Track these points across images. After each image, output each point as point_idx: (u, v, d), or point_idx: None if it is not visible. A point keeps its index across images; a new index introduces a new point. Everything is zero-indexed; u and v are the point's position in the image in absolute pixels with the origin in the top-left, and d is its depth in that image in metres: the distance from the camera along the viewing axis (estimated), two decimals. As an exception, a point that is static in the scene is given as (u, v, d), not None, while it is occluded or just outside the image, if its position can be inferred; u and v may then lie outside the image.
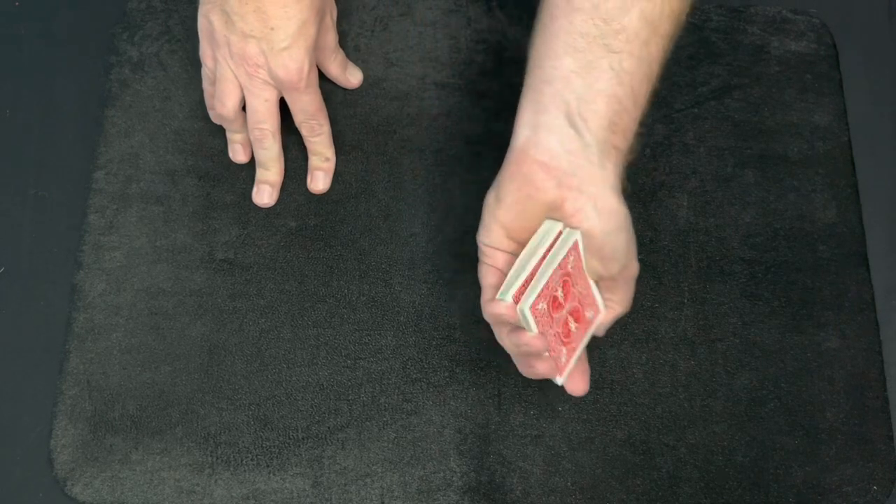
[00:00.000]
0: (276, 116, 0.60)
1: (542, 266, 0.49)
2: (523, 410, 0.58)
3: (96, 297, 0.60)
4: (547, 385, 0.59)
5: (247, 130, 0.62)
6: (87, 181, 0.62)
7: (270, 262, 0.61)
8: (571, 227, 0.49)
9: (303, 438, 0.57)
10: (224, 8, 0.57)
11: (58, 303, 0.60)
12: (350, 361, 0.59)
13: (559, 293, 0.50)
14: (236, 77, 0.59)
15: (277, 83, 0.59)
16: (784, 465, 0.57)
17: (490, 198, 0.50)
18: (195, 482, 0.56)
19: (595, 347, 0.59)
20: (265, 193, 0.62)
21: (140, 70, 0.65)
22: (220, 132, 0.64)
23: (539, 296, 0.48)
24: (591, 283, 0.52)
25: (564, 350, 0.51)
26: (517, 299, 0.48)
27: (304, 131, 0.62)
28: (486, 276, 0.52)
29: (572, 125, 0.48)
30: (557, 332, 0.51)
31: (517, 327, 0.49)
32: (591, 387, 0.59)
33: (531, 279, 0.48)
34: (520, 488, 0.57)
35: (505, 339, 0.51)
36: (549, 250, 0.49)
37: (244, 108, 0.60)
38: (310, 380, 0.58)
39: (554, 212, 0.49)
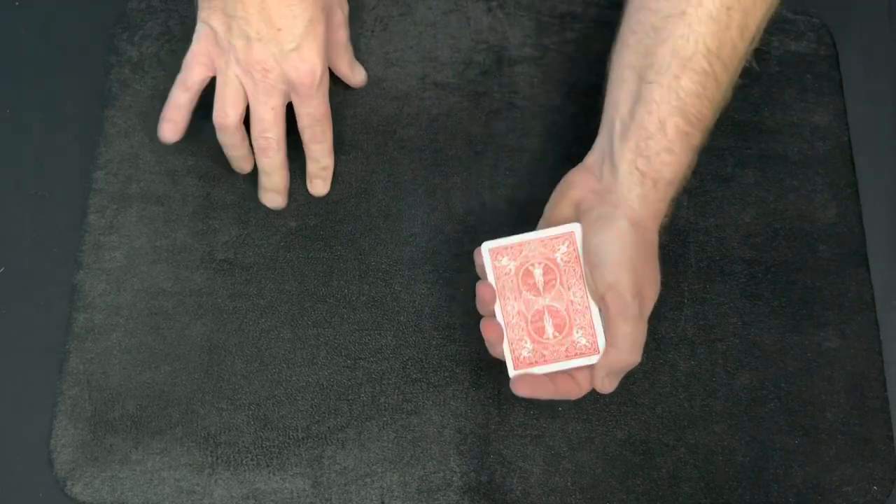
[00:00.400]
0: (282, 125, 0.59)
1: (528, 233, 0.52)
2: (523, 410, 0.58)
3: (96, 297, 0.60)
4: (547, 385, 0.59)
5: (247, 142, 0.60)
6: (87, 181, 0.62)
7: (270, 262, 0.61)
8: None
9: (303, 438, 0.57)
10: (226, 11, 0.56)
11: (58, 303, 0.60)
12: (350, 361, 0.59)
13: (536, 271, 0.51)
14: (242, 84, 0.57)
15: (289, 86, 0.57)
16: (784, 465, 0.57)
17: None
18: (195, 482, 0.56)
19: (595, 347, 0.59)
20: (276, 199, 0.61)
21: (140, 70, 0.65)
22: (220, 132, 0.64)
23: (508, 248, 0.51)
24: (595, 309, 0.53)
25: (529, 345, 0.53)
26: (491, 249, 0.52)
27: (305, 136, 0.60)
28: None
29: (611, 146, 0.53)
30: (524, 316, 0.52)
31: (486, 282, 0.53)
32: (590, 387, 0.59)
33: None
34: (520, 488, 0.57)
35: (479, 303, 0.55)
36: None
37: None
38: (310, 380, 0.58)
39: (580, 213, 0.54)
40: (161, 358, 0.59)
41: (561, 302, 0.52)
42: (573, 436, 0.58)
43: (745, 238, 0.63)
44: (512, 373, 0.53)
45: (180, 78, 0.59)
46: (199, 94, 0.59)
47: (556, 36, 0.67)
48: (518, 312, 0.53)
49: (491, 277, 0.53)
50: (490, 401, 0.58)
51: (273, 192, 0.61)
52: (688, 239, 0.62)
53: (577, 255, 0.52)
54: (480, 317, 0.60)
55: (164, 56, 0.65)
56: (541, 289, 0.52)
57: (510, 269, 0.52)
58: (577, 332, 0.53)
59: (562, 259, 0.52)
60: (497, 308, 0.53)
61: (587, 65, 0.66)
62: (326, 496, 0.56)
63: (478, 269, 0.55)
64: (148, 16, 0.66)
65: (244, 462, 0.57)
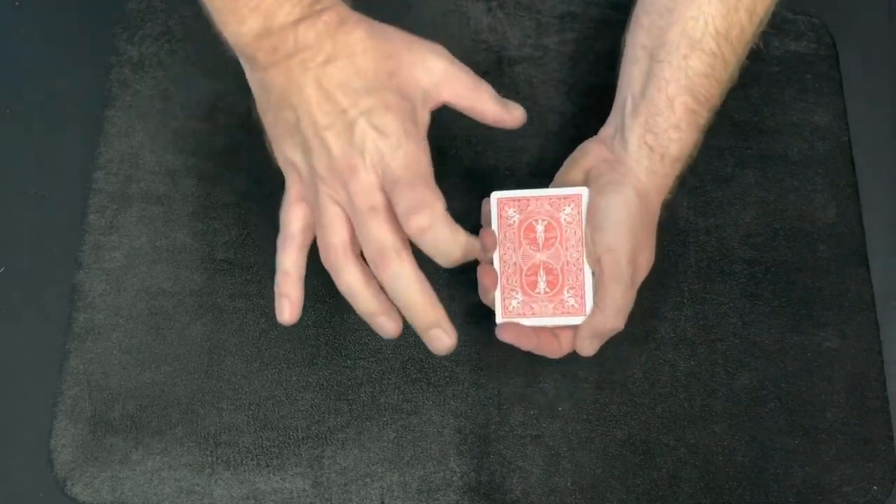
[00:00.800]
0: (392, 229, 0.48)
1: (537, 189, 0.55)
2: (523, 410, 0.58)
3: (96, 297, 0.60)
4: (547, 385, 0.59)
5: (375, 283, 0.49)
6: (87, 181, 0.62)
7: (270, 262, 0.61)
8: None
9: (303, 438, 0.57)
10: (297, 127, 0.48)
11: (58, 303, 0.60)
12: (350, 361, 0.59)
13: (538, 226, 0.54)
14: (338, 204, 0.48)
15: (382, 175, 0.47)
16: (784, 465, 0.57)
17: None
18: (195, 482, 0.56)
19: (595, 347, 0.59)
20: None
21: (140, 70, 0.65)
22: (220, 132, 0.64)
23: (515, 200, 0.54)
24: (588, 273, 0.54)
25: (520, 297, 0.54)
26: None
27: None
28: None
29: (623, 121, 0.55)
30: (520, 268, 0.54)
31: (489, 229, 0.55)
32: (590, 386, 0.59)
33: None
34: (520, 488, 0.57)
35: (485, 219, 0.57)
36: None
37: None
38: (310, 380, 0.58)
39: (590, 179, 0.55)
40: (161, 358, 0.59)
41: (557, 260, 0.54)
42: (573, 436, 0.58)
43: (745, 238, 0.63)
44: (499, 319, 0.55)
45: (279, 239, 0.52)
46: (305, 250, 0.52)
47: (556, 36, 0.67)
48: (515, 264, 0.55)
49: (495, 225, 0.55)
50: (490, 401, 0.58)
51: (434, 329, 0.48)
52: (688, 239, 0.62)
53: (581, 218, 0.54)
54: (480, 317, 0.60)
55: (164, 56, 0.66)
56: (540, 244, 0.54)
57: (514, 221, 0.55)
58: (568, 292, 0.54)
59: (565, 219, 0.54)
60: (496, 256, 0.55)
61: (587, 65, 0.66)
62: (326, 496, 0.56)
63: (483, 217, 0.57)
64: (148, 16, 0.66)
65: (244, 462, 0.57)
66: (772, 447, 0.58)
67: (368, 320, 0.50)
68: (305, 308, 0.60)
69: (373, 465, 0.57)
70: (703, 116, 0.55)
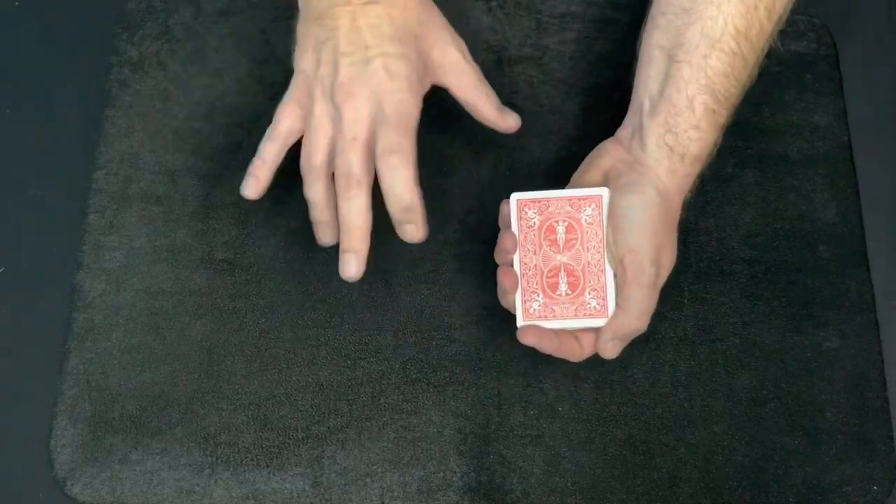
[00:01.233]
0: (366, 164, 0.55)
1: (557, 190, 0.54)
2: (523, 410, 0.58)
3: (96, 297, 0.60)
4: (547, 385, 0.59)
5: (333, 203, 0.57)
6: (87, 181, 0.62)
7: (270, 262, 0.61)
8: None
9: (303, 438, 0.57)
10: (318, 39, 0.55)
11: (58, 303, 0.60)
12: (350, 361, 0.59)
13: (559, 227, 0.53)
14: (330, 123, 0.55)
15: (376, 111, 0.54)
16: (784, 465, 0.57)
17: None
18: (195, 482, 0.56)
19: (595, 347, 0.59)
20: (351, 264, 0.55)
21: (140, 70, 0.65)
22: (220, 132, 0.64)
23: (535, 202, 0.53)
24: (609, 274, 0.54)
25: (541, 299, 0.54)
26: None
27: (380, 166, 0.54)
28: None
29: (641, 121, 0.55)
30: (540, 270, 0.53)
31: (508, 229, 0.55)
32: (590, 387, 0.59)
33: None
34: (520, 488, 0.57)
35: (499, 252, 0.56)
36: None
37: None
38: (310, 380, 0.58)
39: (609, 180, 0.55)
40: (161, 358, 0.59)
41: (578, 262, 0.54)
42: (573, 436, 0.58)
43: (745, 238, 0.63)
44: (520, 322, 0.54)
45: (268, 130, 0.57)
46: (286, 147, 0.57)
47: (556, 36, 0.67)
48: (535, 266, 0.54)
49: (515, 228, 0.54)
50: (490, 401, 0.58)
51: (350, 252, 0.55)
52: (688, 239, 0.62)
53: (602, 219, 0.54)
54: (480, 317, 0.60)
55: (164, 56, 0.66)
56: (561, 246, 0.54)
57: (534, 223, 0.54)
58: (590, 293, 0.54)
59: (586, 220, 0.53)
60: (516, 258, 0.55)
61: (587, 65, 0.66)
62: (326, 496, 0.56)
63: (501, 220, 0.56)
64: (148, 16, 0.66)
65: (244, 462, 0.57)
66: (772, 447, 0.58)
67: (314, 225, 0.58)
68: (305, 308, 0.60)
69: (373, 465, 0.57)
70: (723, 115, 0.55)
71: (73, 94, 0.65)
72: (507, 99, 0.65)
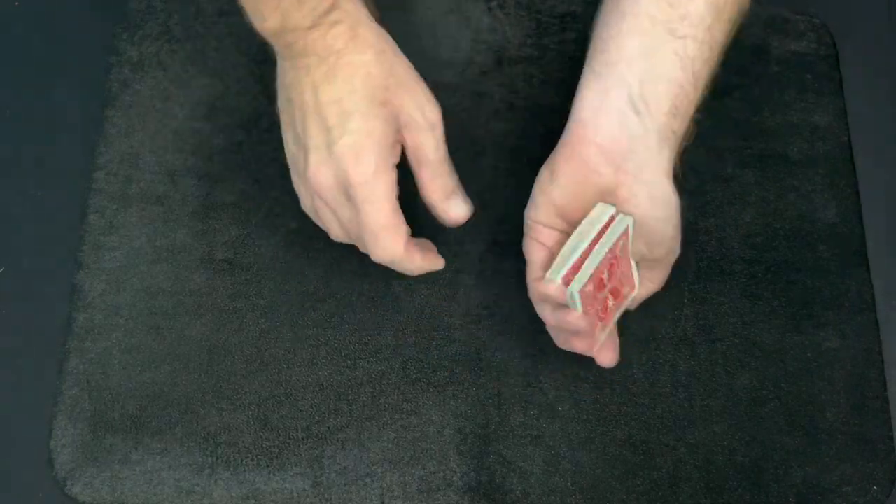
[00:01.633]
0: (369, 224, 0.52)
1: (594, 250, 0.49)
2: (523, 410, 0.58)
3: (96, 297, 0.60)
4: (547, 385, 0.59)
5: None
6: (87, 181, 0.62)
7: (270, 262, 0.61)
8: (624, 213, 0.50)
9: (303, 438, 0.57)
10: (295, 131, 0.53)
11: (58, 303, 0.60)
12: (350, 361, 0.59)
13: (605, 275, 0.51)
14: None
15: (346, 190, 0.51)
16: (784, 465, 0.57)
17: (543, 175, 0.51)
18: (195, 482, 0.56)
19: (595, 347, 0.59)
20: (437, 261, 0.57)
21: (140, 70, 0.65)
22: (220, 132, 0.64)
23: (588, 280, 0.49)
24: (633, 263, 0.53)
25: (599, 325, 0.53)
26: (567, 281, 0.49)
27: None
28: (533, 253, 0.53)
29: (634, 109, 0.48)
30: (597, 310, 0.52)
31: (562, 305, 0.51)
32: (590, 386, 0.59)
33: (581, 262, 0.49)
34: (520, 488, 0.57)
35: (548, 315, 0.53)
36: (600, 234, 0.50)
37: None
38: (310, 380, 0.58)
39: (608, 196, 0.50)
40: (161, 358, 0.59)
41: (616, 280, 0.53)
42: (573, 436, 0.58)
43: (745, 238, 0.63)
44: (593, 353, 0.54)
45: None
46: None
47: (556, 36, 0.67)
48: (594, 312, 0.52)
49: (580, 308, 0.50)
50: (490, 401, 0.58)
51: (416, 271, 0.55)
52: (688, 239, 0.62)
53: (629, 240, 0.51)
54: (480, 317, 0.60)
55: (164, 56, 0.66)
56: (606, 283, 0.52)
57: (590, 291, 0.51)
58: (626, 288, 0.54)
59: (620, 252, 0.51)
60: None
61: (587, 65, 0.66)
62: (326, 496, 0.56)
63: (548, 299, 0.51)
64: (148, 16, 0.66)
65: (244, 462, 0.57)
66: (772, 447, 0.58)
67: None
68: (305, 308, 0.60)
69: (373, 465, 0.57)
70: (715, 78, 0.51)
71: (73, 94, 0.65)
72: (508, 99, 0.65)
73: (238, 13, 0.52)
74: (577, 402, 0.58)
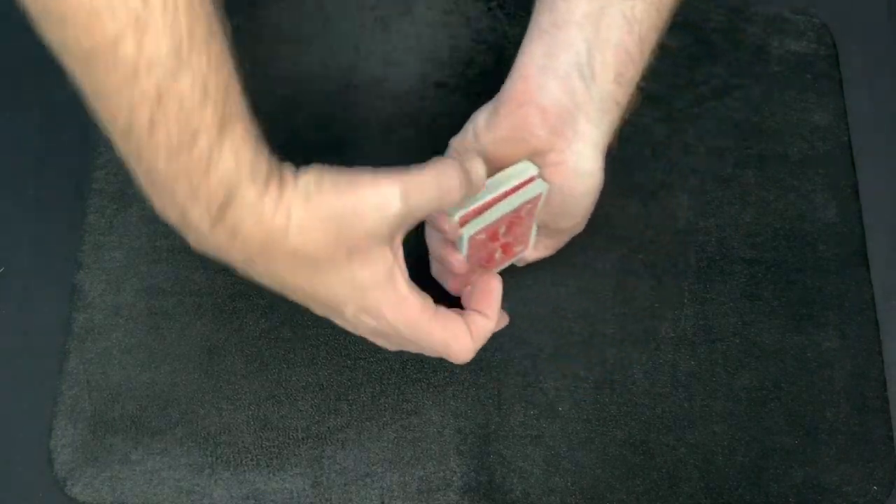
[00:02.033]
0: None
1: (500, 203, 0.49)
2: (523, 410, 0.58)
3: (96, 297, 0.60)
4: (547, 385, 0.59)
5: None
6: (87, 181, 0.62)
7: (270, 262, 0.61)
8: (545, 179, 0.50)
9: (303, 438, 0.57)
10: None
11: (58, 303, 0.60)
12: (350, 361, 0.59)
13: (502, 229, 0.51)
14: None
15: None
16: (784, 465, 0.57)
17: (480, 120, 0.50)
18: (195, 482, 0.56)
19: (595, 347, 0.59)
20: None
21: (140, 70, 0.65)
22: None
23: (484, 229, 0.50)
24: (535, 226, 0.54)
25: (479, 270, 0.54)
26: (463, 222, 0.49)
27: None
28: None
29: (580, 74, 0.47)
30: (481, 258, 0.53)
31: (450, 242, 0.50)
32: (590, 387, 0.59)
33: (484, 209, 0.49)
34: (520, 488, 0.57)
35: (434, 244, 0.52)
36: (513, 189, 0.50)
37: None
38: (310, 380, 0.58)
39: (537, 156, 0.49)
40: (161, 358, 0.59)
41: (511, 237, 0.53)
42: (573, 436, 0.58)
43: (745, 238, 0.63)
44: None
45: None
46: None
47: (556, 36, 0.67)
48: (477, 259, 0.53)
49: (465, 252, 0.51)
50: (490, 401, 0.58)
51: None
52: (688, 239, 0.62)
53: (537, 206, 0.52)
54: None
55: (164, 56, 0.65)
56: (500, 237, 0.52)
57: (482, 239, 0.51)
58: (518, 247, 0.55)
59: (525, 213, 0.52)
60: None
61: (587, 65, 0.66)
62: (326, 496, 0.56)
63: (439, 230, 0.49)
64: (148, 16, 0.66)
65: (244, 462, 0.57)
66: (772, 447, 0.58)
67: None
68: (305, 308, 0.60)
69: (373, 465, 0.57)
70: (661, 46, 0.48)
71: (73, 95, 0.65)
72: (507, 99, 0.65)
73: (238, 13, 0.52)
74: (577, 402, 0.58)
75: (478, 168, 0.46)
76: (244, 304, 0.60)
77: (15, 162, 0.63)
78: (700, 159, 0.64)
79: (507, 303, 0.60)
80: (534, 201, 0.51)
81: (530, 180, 0.50)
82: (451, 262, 0.51)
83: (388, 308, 0.44)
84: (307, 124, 0.64)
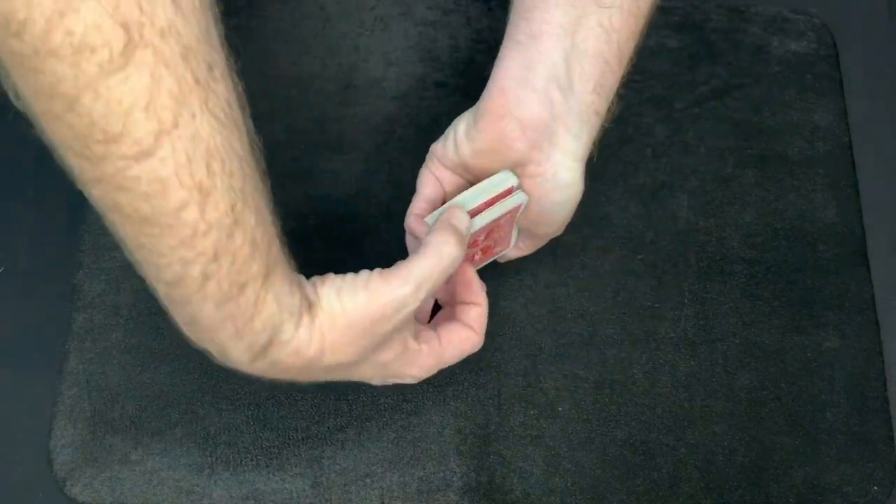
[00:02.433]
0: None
1: (480, 216, 0.49)
2: (523, 410, 0.58)
3: (96, 297, 0.60)
4: (547, 385, 0.59)
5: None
6: (86, 181, 0.62)
7: (270, 262, 0.61)
8: (524, 189, 0.50)
9: (303, 438, 0.57)
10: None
11: (58, 303, 0.60)
12: (350, 361, 0.59)
13: (482, 237, 0.52)
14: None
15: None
16: (784, 465, 0.57)
17: (460, 129, 0.50)
18: (195, 482, 0.56)
19: (595, 347, 0.59)
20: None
21: (140, 70, 0.65)
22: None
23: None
24: (515, 230, 0.54)
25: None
26: None
27: None
28: (425, 185, 0.52)
29: (558, 87, 0.47)
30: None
31: None
32: (590, 387, 0.59)
33: None
34: (520, 488, 0.56)
35: (411, 245, 0.54)
36: (494, 200, 0.50)
37: None
38: (310, 380, 0.58)
39: (517, 167, 0.49)
40: (161, 358, 0.59)
41: (491, 241, 0.54)
42: (573, 436, 0.58)
43: (745, 238, 0.63)
44: None
45: None
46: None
47: (556, 36, 0.67)
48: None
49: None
50: (490, 401, 0.58)
51: None
52: (688, 239, 0.62)
53: (516, 215, 0.52)
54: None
55: (164, 56, 0.65)
56: (480, 242, 0.53)
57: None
58: (498, 248, 0.55)
59: (504, 221, 0.52)
60: None
61: (587, 65, 0.66)
62: (326, 496, 0.56)
63: (418, 236, 0.51)
64: (148, 16, 0.66)
65: (244, 462, 0.57)
66: (772, 447, 0.58)
67: None
68: (305, 308, 0.60)
69: (373, 465, 0.57)
70: (639, 51, 0.48)
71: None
72: (507, 99, 0.65)
73: (238, 13, 0.51)
74: (577, 402, 0.58)
75: (463, 220, 0.47)
76: (244, 304, 0.60)
77: (15, 162, 0.63)
78: (700, 159, 0.64)
79: (508, 303, 0.60)
80: (514, 211, 0.51)
81: (509, 191, 0.50)
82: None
83: (408, 367, 0.49)
84: (307, 124, 0.64)
